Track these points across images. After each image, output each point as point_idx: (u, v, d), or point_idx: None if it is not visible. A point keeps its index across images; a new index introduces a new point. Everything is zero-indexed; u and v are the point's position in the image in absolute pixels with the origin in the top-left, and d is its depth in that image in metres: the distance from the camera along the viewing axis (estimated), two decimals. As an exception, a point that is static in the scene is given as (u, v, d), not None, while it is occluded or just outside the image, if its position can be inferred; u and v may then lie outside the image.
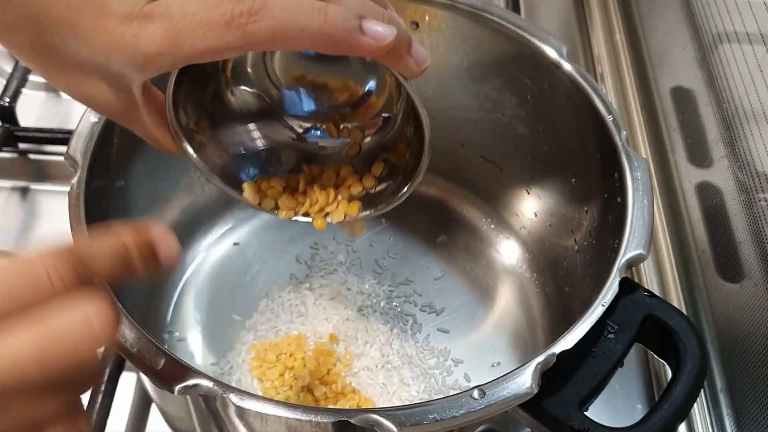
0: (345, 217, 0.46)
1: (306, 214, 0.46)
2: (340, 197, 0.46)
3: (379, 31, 0.35)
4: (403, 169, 0.45)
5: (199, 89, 0.43)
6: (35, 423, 0.28)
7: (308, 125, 0.47)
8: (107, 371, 0.52)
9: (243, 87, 0.45)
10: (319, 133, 0.47)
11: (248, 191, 0.45)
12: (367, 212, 0.45)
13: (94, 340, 0.28)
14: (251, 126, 0.46)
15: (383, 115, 0.46)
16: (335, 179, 0.47)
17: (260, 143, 0.46)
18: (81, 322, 0.27)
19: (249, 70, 0.45)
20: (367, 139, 0.47)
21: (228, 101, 0.45)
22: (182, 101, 0.41)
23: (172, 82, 0.39)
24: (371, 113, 0.46)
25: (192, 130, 0.42)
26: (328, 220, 0.46)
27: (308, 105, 0.47)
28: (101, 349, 0.28)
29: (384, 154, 0.47)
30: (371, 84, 0.46)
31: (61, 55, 0.35)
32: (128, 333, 0.40)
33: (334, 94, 0.46)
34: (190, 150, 0.42)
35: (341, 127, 0.47)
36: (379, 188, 0.46)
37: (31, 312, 0.27)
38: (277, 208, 0.46)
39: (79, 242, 0.30)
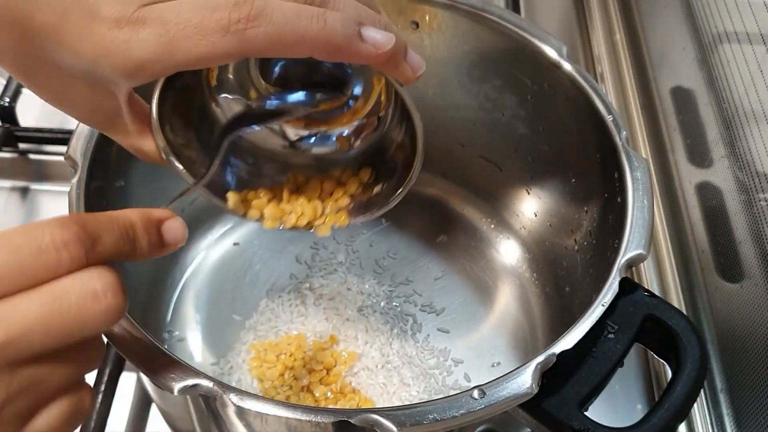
0: (331, 229, 0.45)
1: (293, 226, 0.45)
2: (328, 210, 0.45)
3: (378, 38, 0.34)
4: (394, 172, 0.45)
5: (184, 98, 0.42)
6: (40, 393, 0.29)
7: (295, 132, 0.47)
8: (107, 371, 0.52)
9: (226, 95, 0.45)
10: (312, 140, 0.47)
11: (232, 201, 0.44)
12: (358, 218, 0.45)
13: (98, 303, 0.28)
14: (236, 134, 0.45)
15: (372, 119, 0.46)
16: (322, 188, 0.46)
17: (246, 152, 0.46)
18: (84, 285, 0.28)
19: (231, 77, 0.44)
20: (357, 143, 0.47)
21: (212, 110, 0.45)
22: (167, 110, 0.40)
23: (158, 90, 0.38)
24: (358, 117, 0.46)
25: (177, 140, 0.42)
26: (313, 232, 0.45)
27: (293, 110, 0.46)
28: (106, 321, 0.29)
29: (374, 158, 0.46)
30: (358, 88, 0.45)
31: (43, 60, 0.34)
32: (128, 333, 0.40)
33: (319, 100, 0.46)
34: (175, 160, 0.41)
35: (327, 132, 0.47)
36: (369, 193, 0.46)
37: (39, 285, 0.28)
38: (262, 218, 0.45)
39: (88, 216, 0.30)
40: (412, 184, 0.43)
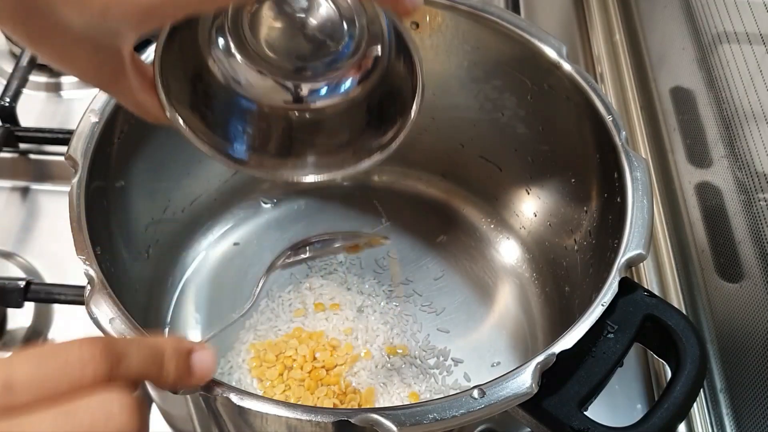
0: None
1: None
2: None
3: None
4: (395, 118, 0.45)
5: (184, 58, 0.42)
6: None
7: (299, 87, 0.47)
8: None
9: (223, 56, 0.45)
10: (316, 94, 0.47)
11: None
12: (361, 163, 0.46)
13: (112, 424, 0.28)
14: (237, 92, 0.46)
15: (367, 61, 0.46)
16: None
17: (248, 111, 0.46)
18: (102, 405, 0.28)
19: (226, 38, 0.45)
20: (357, 90, 0.47)
21: (211, 70, 0.45)
22: (168, 71, 0.40)
23: (161, 43, 0.38)
24: (354, 63, 0.46)
25: (178, 97, 0.42)
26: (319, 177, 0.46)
27: (288, 67, 0.46)
28: None
29: (374, 106, 0.47)
30: (349, 42, 0.45)
31: (47, 19, 0.34)
32: (128, 333, 0.40)
33: (314, 53, 0.46)
34: (178, 117, 0.41)
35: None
36: (372, 139, 0.46)
37: (59, 398, 0.27)
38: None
39: (119, 338, 0.30)
40: (410, 125, 0.43)
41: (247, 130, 0.46)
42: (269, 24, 0.44)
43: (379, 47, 0.45)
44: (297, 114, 0.47)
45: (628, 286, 0.44)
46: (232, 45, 0.45)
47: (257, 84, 0.46)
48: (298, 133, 0.48)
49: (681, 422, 0.44)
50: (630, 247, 0.45)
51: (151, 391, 0.53)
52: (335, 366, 0.56)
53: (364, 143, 0.47)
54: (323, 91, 0.47)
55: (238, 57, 0.45)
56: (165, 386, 0.32)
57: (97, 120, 0.49)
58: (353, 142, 0.47)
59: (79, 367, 0.28)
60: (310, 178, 0.47)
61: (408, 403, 0.52)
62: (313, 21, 0.44)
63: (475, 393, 0.39)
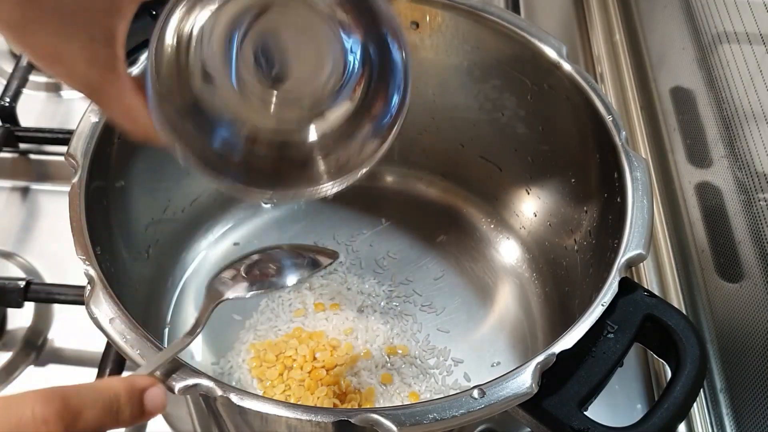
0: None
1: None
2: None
3: None
4: (385, 119, 0.44)
5: (179, 81, 0.42)
6: None
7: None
8: (107, 371, 0.52)
9: (219, 79, 0.45)
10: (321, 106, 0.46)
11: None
12: (357, 171, 0.45)
13: None
14: (229, 115, 0.45)
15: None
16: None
17: (238, 130, 0.46)
18: None
19: (225, 64, 0.44)
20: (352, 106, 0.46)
21: (204, 93, 0.45)
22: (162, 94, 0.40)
23: (155, 42, 0.38)
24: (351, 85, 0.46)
25: (170, 118, 0.41)
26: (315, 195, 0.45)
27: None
28: None
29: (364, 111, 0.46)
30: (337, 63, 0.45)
31: (41, 7, 0.34)
32: (128, 333, 0.40)
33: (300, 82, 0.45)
34: (170, 130, 0.40)
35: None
36: (363, 144, 0.45)
37: None
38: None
39: (71, 390, 0.30)
40: (400, 124, 0.43)
41: (237, 151, 0.46)
42: (263, 45, 0.44)
43: (372, 53, 0.45)
44: (293, 136, 0.47)
45: (628, 286, 0.44)
46: (228, 73, 0.44)
47: (254, 107, 0.45)
48: (292, 152, 0.47)
49: (681, 422, 0.44)
50: (630, 247, 0.45)
51: (151, 391, 0.53)
52: (335, 366, 0.56)
53: (357, 152, 0.46)
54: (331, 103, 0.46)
55: (233, 81, 0.45)
56: (117, 427, 0.33)
57: (97, 120, 0.49)
58: (347, 152, 0.47)
59: (33, 429, 0.27)
60: (306, 197, 0.46)
61: (408, 403, 0.52)
62: (309, 45, 0.44)
63: (475, 393, 0.39)
